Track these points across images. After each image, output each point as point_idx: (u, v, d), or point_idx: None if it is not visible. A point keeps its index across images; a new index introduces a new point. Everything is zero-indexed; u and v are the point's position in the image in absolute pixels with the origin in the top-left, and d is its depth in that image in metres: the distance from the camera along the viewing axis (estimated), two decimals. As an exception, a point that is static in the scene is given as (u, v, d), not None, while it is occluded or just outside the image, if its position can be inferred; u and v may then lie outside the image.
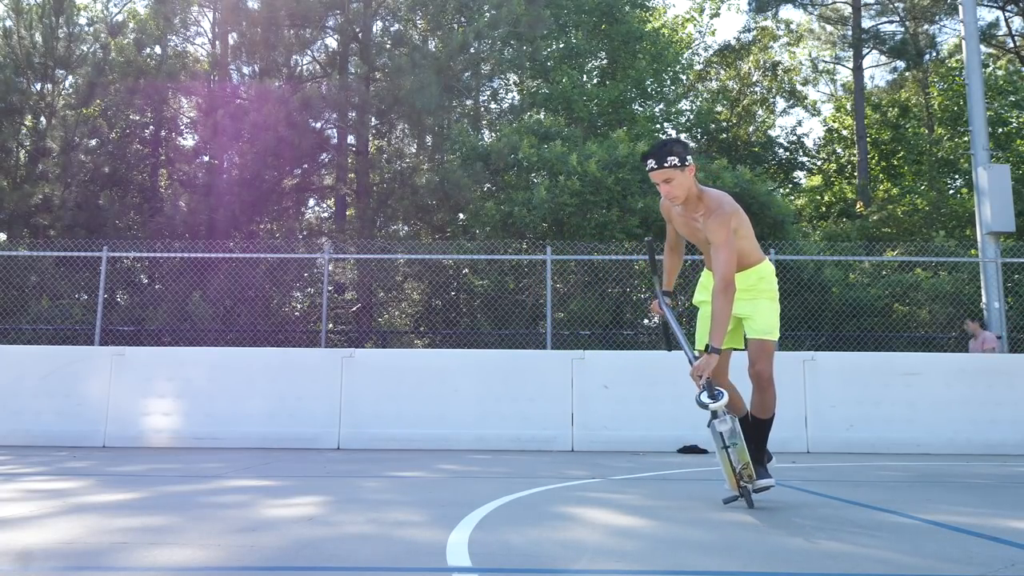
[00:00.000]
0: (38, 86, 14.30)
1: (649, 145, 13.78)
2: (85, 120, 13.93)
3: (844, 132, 22.94)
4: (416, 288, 13.05)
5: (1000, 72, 20.36)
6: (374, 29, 15.34)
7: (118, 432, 7.82)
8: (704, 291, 3.82)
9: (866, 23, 22.00)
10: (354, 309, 13.41)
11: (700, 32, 25.39)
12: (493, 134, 17.05)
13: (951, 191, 18.97)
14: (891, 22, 22.41)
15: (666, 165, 3.45)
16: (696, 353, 3.69)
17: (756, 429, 3.66)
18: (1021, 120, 18.59)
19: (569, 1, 19.03)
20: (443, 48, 14.84)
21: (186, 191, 14.08)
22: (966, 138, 14.81)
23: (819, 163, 23.56)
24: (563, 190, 11.97)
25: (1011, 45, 22.08)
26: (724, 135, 22.39)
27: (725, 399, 3.44)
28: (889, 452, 7.70)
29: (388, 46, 15.05)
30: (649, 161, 3.50)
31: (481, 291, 11.81)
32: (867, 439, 7.80)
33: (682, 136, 21.79)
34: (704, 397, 3.44)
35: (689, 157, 3.49)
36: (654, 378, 7.99)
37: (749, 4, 23.17)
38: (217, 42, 16.16)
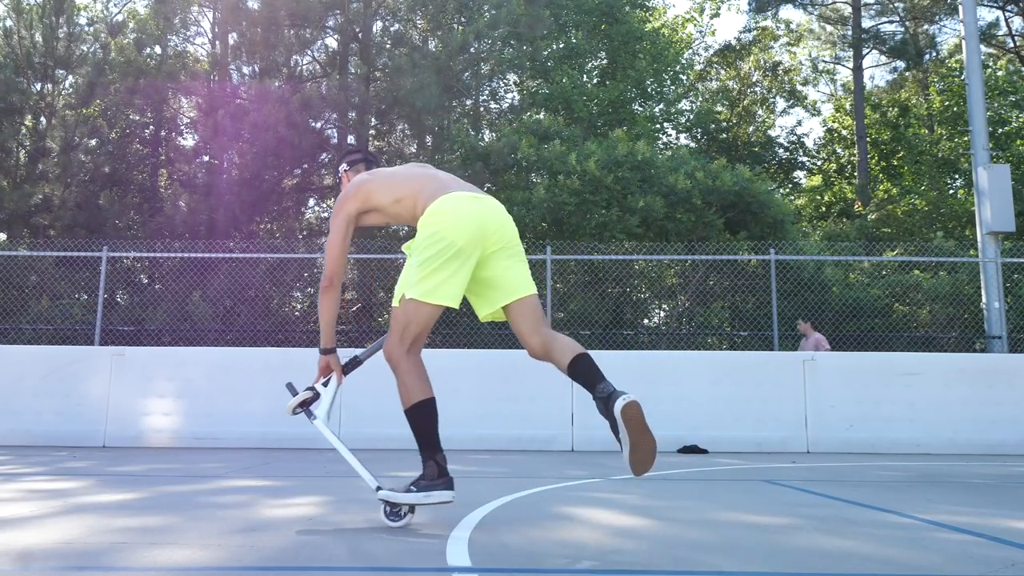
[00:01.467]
0: (38, 86, 14.31)
1: (647, 144, 13.82)
2: (85, 120, 13.94)
3: (844, 132, 22.95)
4: (416, 288, 13.03)
5: (1000, 72, 20.36)
6: (374, 29, 15.35)
7: (118, 432, 7.82)
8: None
9: (866, 23, 22.04)
10: (354, 309, 13.41)
11: (700, 32, 25.42)
12: (493, 134, 17.05)
13: (951, 191, 18.98)
14: (891, 22, 22.44)
15: (339, 180, 3.33)
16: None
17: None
18: (1021, 120, 18.60)
19: (569, 1, 19.03)
20: (443, 48, 14.84)
21: (186, 191, 14.08)
22: (966, 138, 14.82)
23: (819, 163, 23.57)
24: (562, 190, 11.97)
25: (1011, 45, 22.09)
26: (724, 135, 22.40)
27: (295, 400, 3.06)
28: (889, 452, 7.70)
29: (388, 46, 15.05)
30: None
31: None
32: (867, 439, 7.81)
33: (682, 136, 21.80)
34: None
35: (341, 166, 3.27)
36: (654, 378, 7.99)
37: (749, 4, 23.21)
38: (217, 42, 16.18)
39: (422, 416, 2.93)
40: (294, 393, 3.12)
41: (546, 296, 9.05)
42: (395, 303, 2.94)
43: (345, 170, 3.27)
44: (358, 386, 7.94)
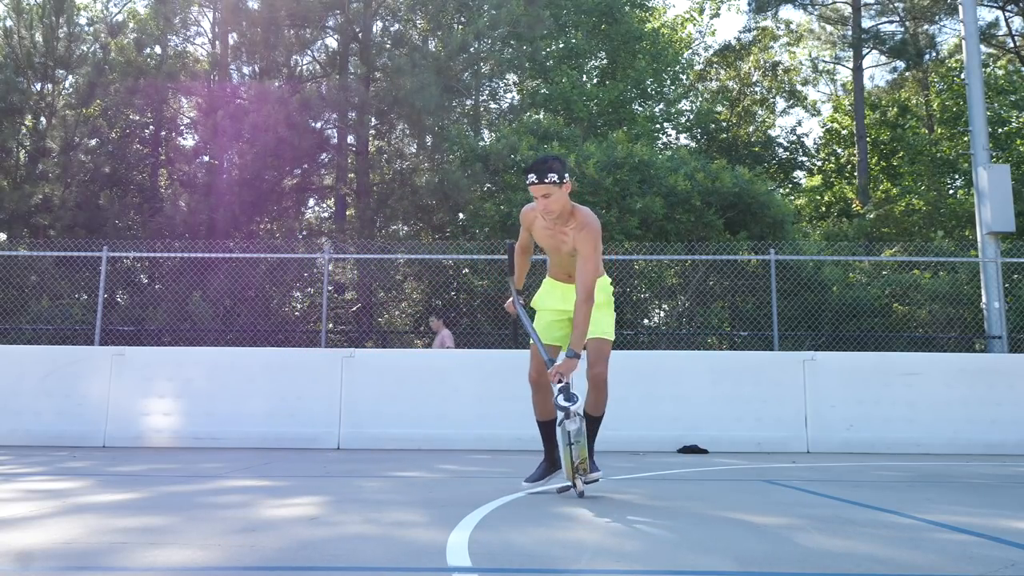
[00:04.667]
0: (38, 86, 14.30)
1: (646, 145, 13.82)
2: (85, 120, 13.93)
3: (844, 132, 22.95)
4: (416, 288, 13.04)
5: (1000, 72, 20.36)
6: (374, 29, 15.34)
7: (118, 432, 7.82)
8: (549, 297, 4.03)
9: (866, 23, 22.02)
10: (354, 309, 13.40)
11: (700, 32, 25.41)
12: (493, 134, 17.05)
13: (951, 191, 18.98)
14: (891, 22, 22.43)
15: (546, 181, 3.62)
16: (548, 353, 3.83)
17: (590, 425, 3.85)
18: (1021, 120, 18.59)
19: (569, 1, 19.03)
20: (443, 48, 14.84)
21: (186, 191, 14.08)
22: (966, 138, 14.81)
23: (819, 163, 23.56)
24: (562, 191, 11.96)
25: (1011, 45, 22.08)
26: (724, 135, 22.39)
27: (580, 402, 3.64)
28: (889, 452, 7.70)
29: (388, 46, 15.04)
30: (530, 175, 3.64)
31: (481, 291, 11.80)
32: (867, 439, 7.80)
33: (682, 137, 21.81)
34: (562, 400, 3.60)
35: (567, 175, 3.69)
36: (654, 378, 7.99)
37: (749, 4, 23.20)
38: (217, 42, 16.17)
39: (602, 420, 3.92)
40: (567, 395, 3.65)
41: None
42: (605, 335, 3.82)
43: (568, 181, 3.71)
44: (358, 388, 7.95)
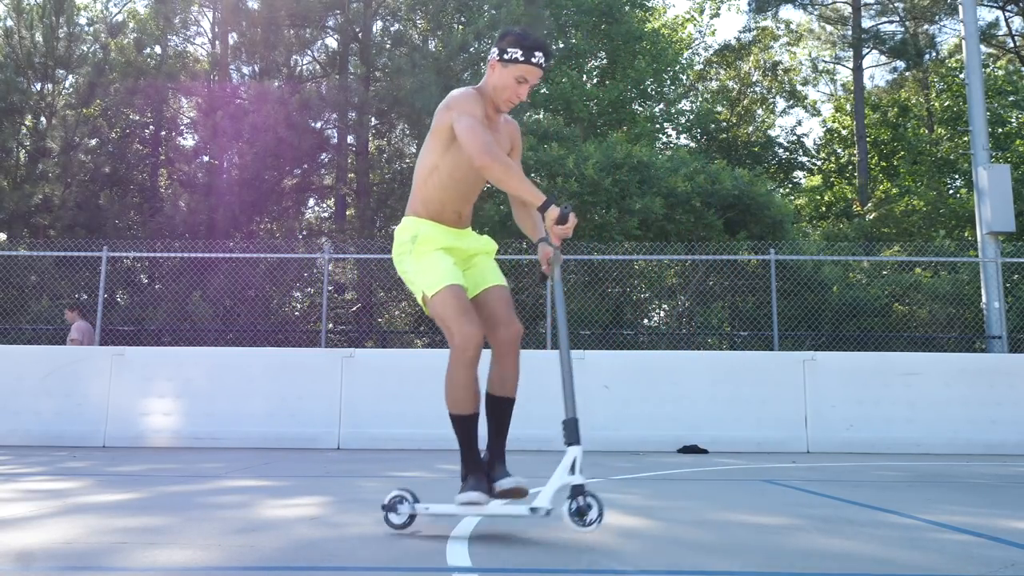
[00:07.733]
0: (38, 86, 14.31)
1: (646, 146, 13.81)
2: (85, 120, 13.94)
3: (844, 132, 22.95)
4: (416, 288, 13.04)
5: (1000, 72, 20.36)
6: (374, 29, 15.34)
7: (118, 432, 7.81)
8: (444, 236, 3.02)
9: (866, 23, 22.03)
10: (354, 309, 13.41)
11: (700, 32, 25.42)
12: (493, 134, 17.02)
13: (951, 191, 18.98)
14: (891, 22, 22.43)
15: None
16: None
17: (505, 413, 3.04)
18: (1021, 120, 18.59)
19: (569, 1, 19.03)
20: (443, 48, 14.84)
21: (186, 191, 14.08)
22: (966, 138, 14.81)
23: (819, 163, 23.57)
24: (561, 192, 11.98)
25: (1011, 45, 22.09)
26: (724, 135, 22.39)
27: None
28: (889, 452, 7.70)
29: (388, 46, 15.05)
30: (542, 55, 2.74)
31: (481, 291, 11.79)
32: (867, 439, 7.80)
33: (682, 137, 21.82)
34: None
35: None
36: (654, 378, 7.99)
37: (749, 4, 23.20)
38: (217, 42, 16.18)
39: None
40: None
41: (546, 296, 9.05)
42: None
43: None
44: (358, 388, 7.96)
